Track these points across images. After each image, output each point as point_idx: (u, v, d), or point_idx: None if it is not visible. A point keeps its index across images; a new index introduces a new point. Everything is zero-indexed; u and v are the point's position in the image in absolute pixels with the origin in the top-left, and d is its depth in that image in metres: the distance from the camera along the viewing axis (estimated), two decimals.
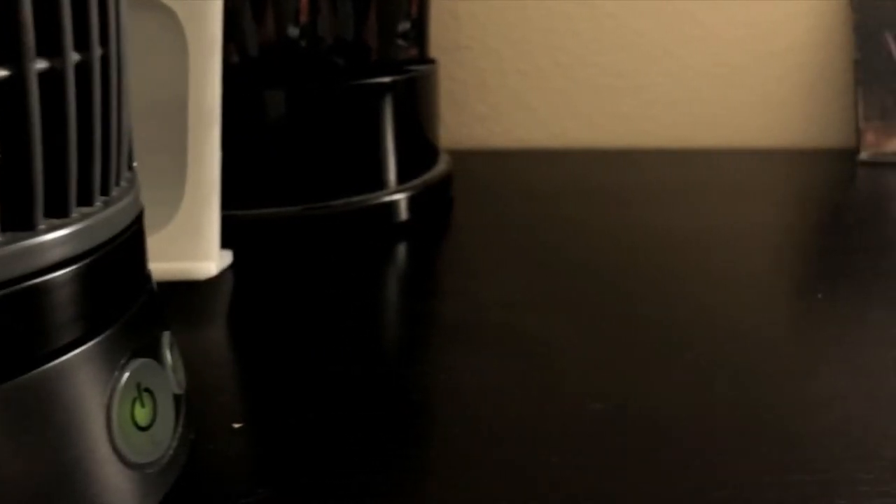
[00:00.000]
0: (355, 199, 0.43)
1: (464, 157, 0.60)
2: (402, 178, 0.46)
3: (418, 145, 0.47)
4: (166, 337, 0.24)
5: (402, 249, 0.44)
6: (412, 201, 0.46)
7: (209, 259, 0.36)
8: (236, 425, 0.27)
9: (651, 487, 0.24)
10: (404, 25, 0.46)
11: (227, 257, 0.38)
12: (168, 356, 0.23)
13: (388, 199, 0.45)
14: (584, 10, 0.60)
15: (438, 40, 0.59)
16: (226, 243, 0.38)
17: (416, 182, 0.46)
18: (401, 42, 0.46)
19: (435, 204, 0.48)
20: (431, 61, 0.49)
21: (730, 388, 0.30)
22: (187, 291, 0.37)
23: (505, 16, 0.59)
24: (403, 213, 0.46)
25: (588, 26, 0.60)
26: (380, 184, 0.45)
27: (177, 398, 0.23)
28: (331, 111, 0.42)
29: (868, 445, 0.26)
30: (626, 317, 0.36)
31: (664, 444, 0.26)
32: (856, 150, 0.58)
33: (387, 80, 0.44)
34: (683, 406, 0.29)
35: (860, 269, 0.41)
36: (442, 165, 0.49)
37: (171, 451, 0.22)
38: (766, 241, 0.46)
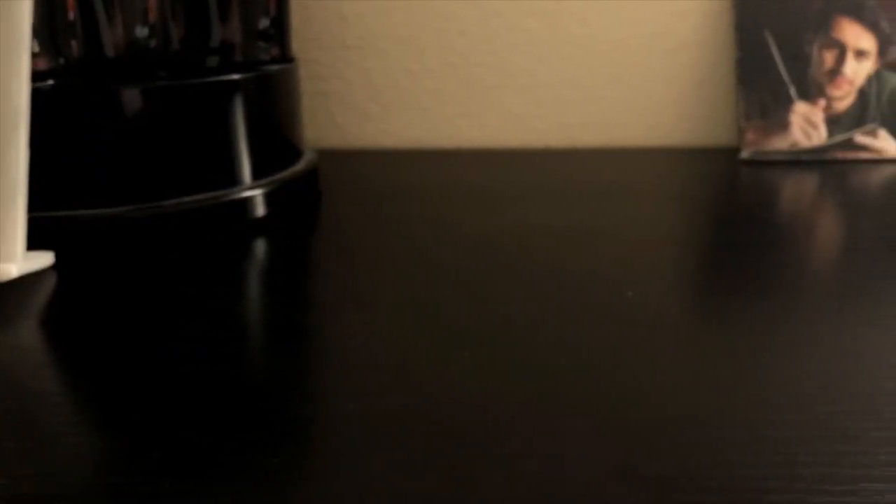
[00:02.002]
0: (204, 196, 0.44)
1: (350, 157, 0.60)
2: (257, 175, 0.46)
3: (274, 143, 0.47)
4: None
5: (251, 247, 0.44)
6: (269, 198, 0.46)
7: (10, 261, 0.36)
8: None
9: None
10: (263, 24, 0.47)
11: (41, 259, 0.38)
12: None
13: (240, 196, 0.45)
14: (472, 10, 0.60)
15: (325, 40, 0.60)
16: (56, 245, 0.39)
17: (272, 179, 0.46)
18: (260, 41, 0.47)
19: (296, 201, 0.48)
20: (291, 60, 0.49)
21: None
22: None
23: (392, 16, 0.60)
24: (259, 210, 0.46)
25: (476, 26, 0.60)
26: (231, 181, 0.45)
27: None
28: (173, 110, 0.43)
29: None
30: (453, 316, 0.36)
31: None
32: (738, 149, 0.59)
33: (235, 77, 0.44)
34: (468, 402, 0.29)
35: (740, 266, 0.42)
36: (302, 164, 0.49)
37: None
38: (641, 238, 0.46)
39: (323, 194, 0.51)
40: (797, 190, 0.56)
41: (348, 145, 0.62)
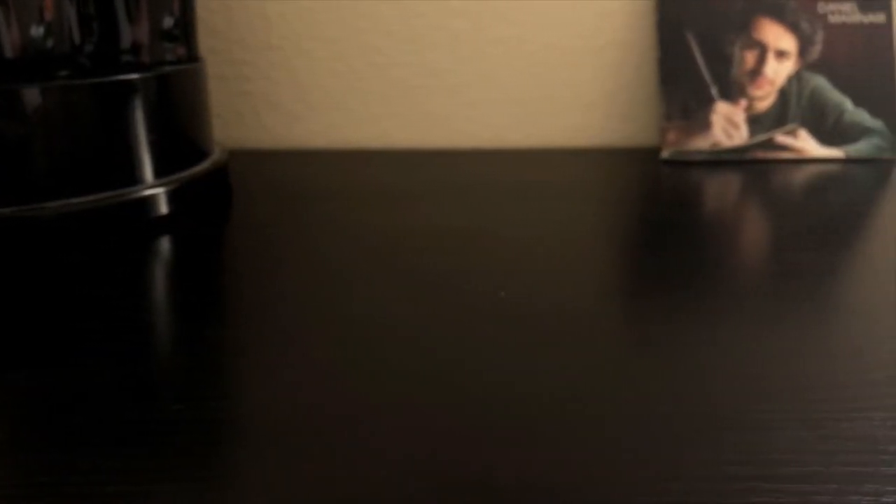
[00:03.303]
0: (105, 195, 0.43)
1: (273, 157, 0.60)
2: (160, 173, 0.46)
3: (177, 141, 0.47)
4: None
5: (153, 246, 0.44)
6: (173, 197, 0.46)
7: None
8: None
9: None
10: (167, 24, 0.47)
11: None
12: None
13: (142, 195, 0.45)
14: (396, 11, 0.60)
15: (249, 41, 0.60)
16: None
17: (176, 178, 0.46)
18: (164, 41, 0.47)
19: (203, 200, 0.48)
20: (197, 60, 0.49)
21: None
22: None
23: (316, 16, 0.60)
24: (163, 209, 0.46)
25: (400, 26, 0.60)
26: (133, 180, 0.45)
27: None
28: (73, 109, 0.42)
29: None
30: (324, 315, 0.36)
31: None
32: (660, 149, 0.59)
33: (134, 77, 0.44)
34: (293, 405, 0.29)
35: (648, 265, 0.42)
36: (208, 163, 0.49)
37: None
38: (554, 238, 0.46)
39: (235, 194, 0.51)
40: (717, 190, 0.56)
41: (276, 146, 0.62)
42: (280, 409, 0.29)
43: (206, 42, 0.59)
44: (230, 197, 0.51)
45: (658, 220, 0.49)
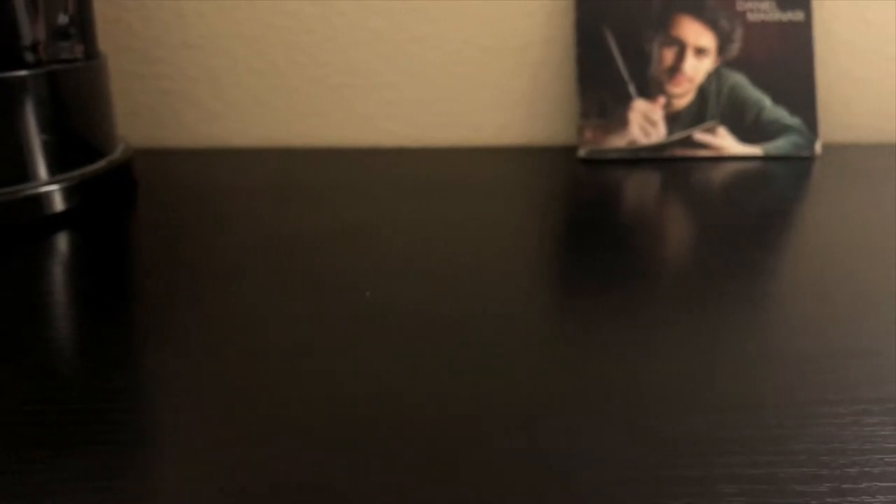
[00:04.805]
0: None
1: (189, 155, 0.60)
2: (55, 170, 0.46)
3: (74, 139, 0.47)
4: None
5: (46, 243, 0.44)
6: (69, 194, 0.46)
7: None
8: None
9: None
10: (62, 21, 0.46)
11: None
12: None
13: (36, 192, 0.45)
14: (316, 9, 0.60)
15: (166, 39, 0.60)
16: None
17: (72, 175, 0.46)
18: (59, 39, 0.46)
19: (103, 198, 0.48)
20: (95, 57, 0.49)
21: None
22: None
23: (233, 14, 0.59)
24: (58, 206, 0.46)
25: (321, 24, 0.60)
26: (26, 177, 0.45)
27: None
28: None
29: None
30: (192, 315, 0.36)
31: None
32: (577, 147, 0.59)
33: (23, 74, 0.44)
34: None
35: (571, 267, 0.42)
36: (104, 162, 0.49)
37: None
38: (455, 236, 0.46)
39: (140, 192, 0.51)
40: (633, 188, 0.56)
41: (196, 144, 0.61)
42: (160, 406, 0.28)
43: (122, 40, 0.59)
44: (134, 194, 0.50)
45: (570, 219, 0.49)
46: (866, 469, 0.26)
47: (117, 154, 0.50)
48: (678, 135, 0.58)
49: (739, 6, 0.59)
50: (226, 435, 0.27)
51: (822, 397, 0.30)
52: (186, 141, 0.62)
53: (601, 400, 0.29)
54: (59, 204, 0.46)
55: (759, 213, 0.49)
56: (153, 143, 0.61)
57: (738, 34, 0.59)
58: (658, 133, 0.58)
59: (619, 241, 0.45)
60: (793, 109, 0.59)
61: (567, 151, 0.60)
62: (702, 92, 0.59)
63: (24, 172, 0.45)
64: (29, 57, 0.45)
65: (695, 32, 0.59)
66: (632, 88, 0.58)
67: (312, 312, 0.35)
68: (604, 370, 0.31)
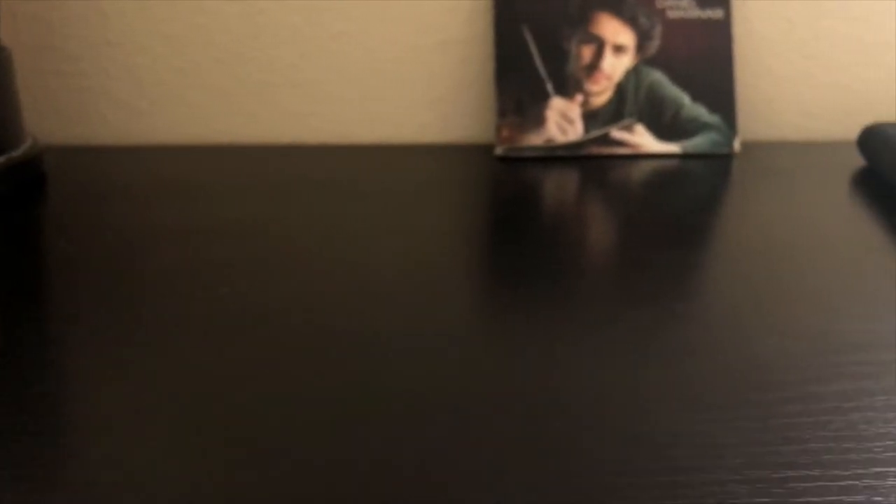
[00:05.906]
0: None
1: (109, 153, 0.60)
2: None
3: None
4: None
5: None
6: None
7: None
8: None
9: None
10: None
11: None
12: None
13: None
14: (235, 7, 0.60)
15: (87, 37, 0.60)
16: None
17: None
18: None
19: (2, 195, 0.48)
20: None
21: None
22: None
23: (153, 13, 0.60)
24: None
25: (240, 22, 0.60)
26: None
27: None
28: None
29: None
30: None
31: None
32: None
33: None
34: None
35: (478, 265, 0.42)
36: (3, 158, 0.49)
37: None
38: (385, 235, 0.46)
39: (48, 189, 0.51)
40: (549, 186, 0.56)
41: (118, 142, 0.62)
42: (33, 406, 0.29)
43: (43, 38, 0.59)
44: (39, 192, 0.51)
45: (487, 217, 0.49)
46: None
47: (21, 150, 0.50)
48: (596, 133, 0.58)
49: (659, 4, 0.59)
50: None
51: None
52: (108, 138, 0.62)
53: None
54: None
55: (676, 211, 0.49)
56: (78, 140, 0.61)
57: (658, 32, 0.59)
58: (575, 131, 0.58)
59: (534, 239, 0.45)
60: (712, 107, 0.59)
61: (486, 150, 0.60)
62: (620, 90, 0.59)
63: None
64: None
65: (613, 30, 0.59)
66: (549, 86, 0.58)
67: (188, 312, 0.36)
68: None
